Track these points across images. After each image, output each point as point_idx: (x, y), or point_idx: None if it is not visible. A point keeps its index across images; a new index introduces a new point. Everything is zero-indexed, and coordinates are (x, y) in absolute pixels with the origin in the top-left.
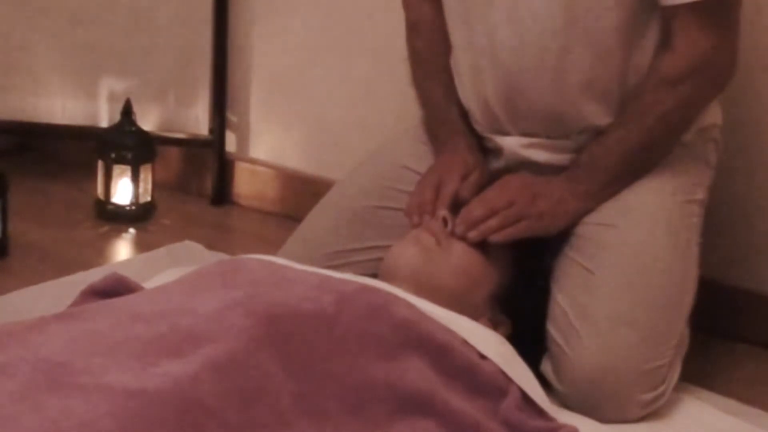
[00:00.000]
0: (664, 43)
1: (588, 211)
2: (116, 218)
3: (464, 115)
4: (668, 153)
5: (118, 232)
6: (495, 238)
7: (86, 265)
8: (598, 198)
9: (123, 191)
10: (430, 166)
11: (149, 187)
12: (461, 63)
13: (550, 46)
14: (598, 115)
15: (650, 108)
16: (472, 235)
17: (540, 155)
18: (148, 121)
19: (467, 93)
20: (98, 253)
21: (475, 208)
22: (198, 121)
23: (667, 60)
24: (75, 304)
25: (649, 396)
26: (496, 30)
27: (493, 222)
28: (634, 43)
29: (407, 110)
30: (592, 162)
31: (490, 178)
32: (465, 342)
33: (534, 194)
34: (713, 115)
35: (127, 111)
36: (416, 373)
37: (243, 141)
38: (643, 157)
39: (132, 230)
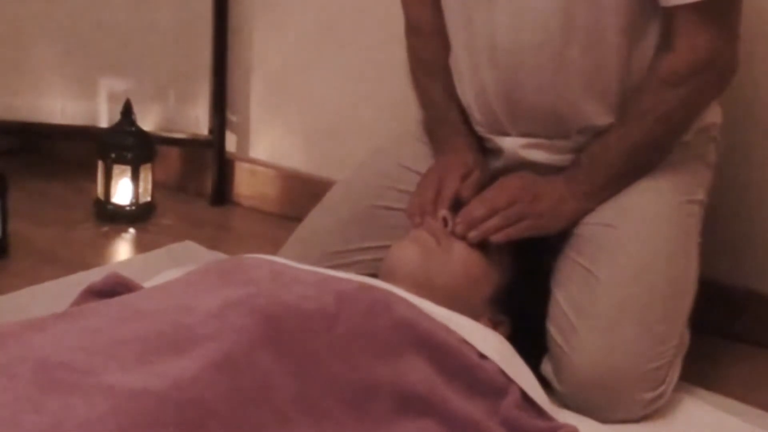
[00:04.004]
0: (665, 43)
1: (588, 211)
2: (116, 218)
3: (464, 115)
4: (668, 153)
5: (118, 232)
6: (495, 238)
7: (86, 265)
8: (598, 198)
9: (123, 191)
10: (430, 167)
11: (149, 187)
12: (461, 63)
13: (549, 44)
14: (597, 115)
15: (651, 108)
16: (473, 235)
17: (540, 155)
18: (147, 121)
19: (467, 93)
20: (98, 253)
21: (475, 208)
22: (198, 121)
23: (668, 61)
24: (75, 304)
25: (649, 396)
26: (495, 29)
27: (493, 222)
28: (635, 43)
29: (407, 110)
30: (593, 162)
31: (491, 178)
32: (465, 341)
33: (534, 194)
34: (713, 114)
35: (127, 111)
36: (416, 373)
37: (243, 141)
38: (644, 157)
39: (132, 230)
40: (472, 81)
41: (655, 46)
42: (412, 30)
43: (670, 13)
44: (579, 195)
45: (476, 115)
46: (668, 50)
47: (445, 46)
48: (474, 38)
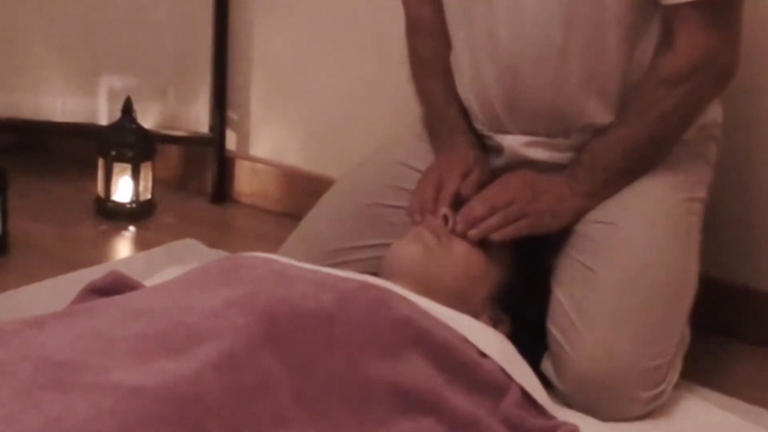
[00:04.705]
0: (665, 41)
1: (588, 210)
2: (116, 216)
3: (464, 113)
4: (669, 152)
5: (118, 230)
6: (495, 236)
7: (86, 263)
8: (599, 196)
9: (123, 189)
10: (430, 165)
11: (149, 185)
12: (461, 61)
13: (550, 42)
14: (598, 113)
15: (651, 107)
16: (473, 233)
17: (540, 154)
18: (148, 118)
19: (468, 91)
20: (98, 251)
21: (475, 206)
22: (198, 118)
23: (668, 59)
24: (75, 302)
25: (650, 394)
26: (496, 26)
27: (493, 220)
28: (635, 40)
29: (407, 108)
30: (593, 160)
31: (491, 177)
32: (465, 340)
33: (535, 192)
34: (713, 112)
35: (128, 109)
36: (416, 371)
37: (243, 139)
38: (644, 156)
39: (132, 228)
40: (472, 79)
41: (656, 44)
42: (412, 28)
43: (671, 11)
44: (579, 193)
45: (477, 113)
46: (668, 49)
47: (445, 43)
48: (474, 36)
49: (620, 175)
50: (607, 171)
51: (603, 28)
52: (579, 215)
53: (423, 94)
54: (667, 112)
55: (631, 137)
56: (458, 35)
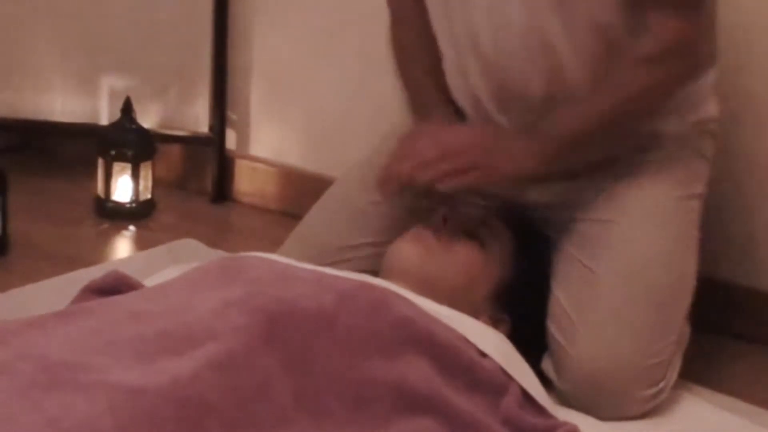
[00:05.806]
0: (641, 25)
1: (544, 176)
2: (116, 216)
3: (451, 102)
4: (633, 133)
5: (118, 230)
6: (443, 184)
7: (86, 263)
8: (553, 162)
9: (123, 189)
10: (404, 132)
11: (149, 184)
12: (447, 57)
13: (532, 34)
14: None
15: (623, 85)
16: (422, 176)
17: None
18: (148, 118)
19: (457, 90)
20: (98, 251)
21: (428, 150)
22: (198, 118)
23: (644, 40)
24: (75, 301)
25: (649, 393)
26: (475, 24)
27: (443, 166)
28: (621, 32)
29: (407, 107)
30: (556, 125)
31: None
32: (465, 339)
33: (491, 148)
34: (710, 108)
35: (127, 108)
36: (416, 371)
37: (243, 138)
38: (607, 131)
39: (132, 228)
40: (458, 75)
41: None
42: (395, 21)
43: None
44: (534, 154)
45: (468, 111)
46: (643, 32)
47: (428, 36)
48: (455, 34)
49: (578, 145)
50: (565, 137)
51: (584, 22)
52: (529, 179)
53: (404, 78)
54: (639, 91)
55: (598, 111)
56: (441, 33)
